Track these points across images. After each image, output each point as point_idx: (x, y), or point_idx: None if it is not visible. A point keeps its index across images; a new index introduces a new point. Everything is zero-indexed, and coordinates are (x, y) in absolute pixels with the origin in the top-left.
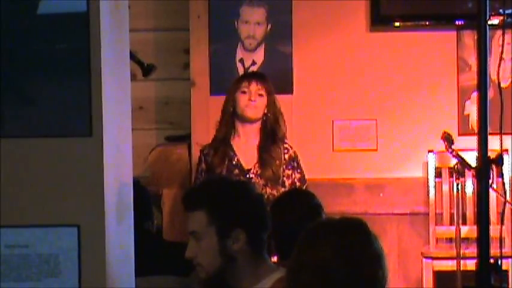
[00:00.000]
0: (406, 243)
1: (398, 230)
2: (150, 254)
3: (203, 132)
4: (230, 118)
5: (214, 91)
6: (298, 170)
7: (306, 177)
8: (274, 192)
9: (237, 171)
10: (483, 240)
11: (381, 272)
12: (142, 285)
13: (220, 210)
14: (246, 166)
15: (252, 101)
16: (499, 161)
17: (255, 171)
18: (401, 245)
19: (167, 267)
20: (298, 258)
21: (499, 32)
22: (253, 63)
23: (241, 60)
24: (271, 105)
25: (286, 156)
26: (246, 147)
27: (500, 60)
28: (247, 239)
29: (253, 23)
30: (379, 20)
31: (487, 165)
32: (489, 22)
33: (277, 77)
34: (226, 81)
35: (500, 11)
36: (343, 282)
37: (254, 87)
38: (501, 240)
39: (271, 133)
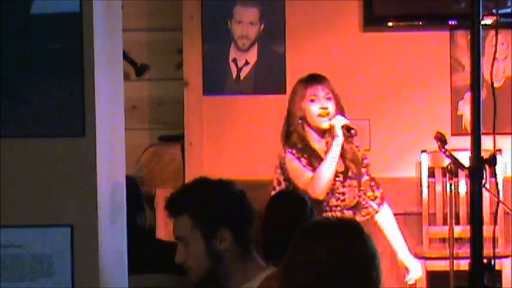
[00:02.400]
0: None
1: None
2: (143, 250)
3: (196, 132)
4: (300, 128)
5: (207, 91)
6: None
7: None
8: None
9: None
10: (476, 240)
11: (375, 273)
12: (137, 284)
13: (203, 212)
14: (339, 169)
15: (324, 109)
16: (492, 161)
17: (346, 175)
18: None
19: (161, 265)
20: (293, 258)
21: (492, 32)
22: (247, 63)
23: (235, 60)
24: (339, 105)
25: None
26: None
27: (493, 60)
28: (234, 237)
29: (246, 23)
30: (372, 20)
31: (480, 165)
32: (482, 22)
33: (270, 77)
34: (219, 81)
35: (494, 11)
36: (337, 282)
37: (321, 92)
38: (494, 240)
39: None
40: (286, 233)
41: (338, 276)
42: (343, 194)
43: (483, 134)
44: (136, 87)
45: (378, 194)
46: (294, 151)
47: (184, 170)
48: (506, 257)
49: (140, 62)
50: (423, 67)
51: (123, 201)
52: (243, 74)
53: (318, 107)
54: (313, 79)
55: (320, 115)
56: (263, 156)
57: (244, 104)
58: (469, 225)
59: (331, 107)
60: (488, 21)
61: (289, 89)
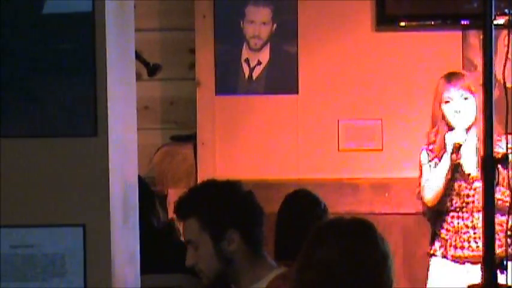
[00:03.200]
0: (411, 243)
1: (404, 230)
2: (158, 250)
3: (208, 132)
4: (443, 127)
5: (219, 91)
6: None
7: (311, 177)
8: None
9: (458, 176)
10: (489, 239)
11: (387, 274)
12: (152, 283)
13: (210, 215)
14: (467, 171)
15: (458, 113)
16: (504, 160)
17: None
18: (407, 245)
19: (176, 265)
20: (305, 257)
21: (504, 32)
22: (259, 63)
23: (247, 60)
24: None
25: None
26: (469, 149)
27: (505, 60)
28: (242, 238)
29: (258, 22)
30: (385, 19)
31: (492, 165)
32: (495, 22)
33: (282, 77)
34: (231, 81)
35: (506, 10)
36: (349, 282)
37: (455, 93)
38: (507, 239)
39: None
40: (299, 233)
41: (349, 276)
42: (469, 196)
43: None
44: (149, 87)
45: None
46: (430, 148)
47: (197, 170)
48: None
49: (152, 61)
50: (435, 67)
51: (136, 201)
52: (255, 74)
53: (452, 109)
54: (448, 79)
55: (454, 116)
56: (275, 156)
57: (256, 103)
58: (482, 225)
59: (467, 107)
60: (500, 20)
61: (301, 89)
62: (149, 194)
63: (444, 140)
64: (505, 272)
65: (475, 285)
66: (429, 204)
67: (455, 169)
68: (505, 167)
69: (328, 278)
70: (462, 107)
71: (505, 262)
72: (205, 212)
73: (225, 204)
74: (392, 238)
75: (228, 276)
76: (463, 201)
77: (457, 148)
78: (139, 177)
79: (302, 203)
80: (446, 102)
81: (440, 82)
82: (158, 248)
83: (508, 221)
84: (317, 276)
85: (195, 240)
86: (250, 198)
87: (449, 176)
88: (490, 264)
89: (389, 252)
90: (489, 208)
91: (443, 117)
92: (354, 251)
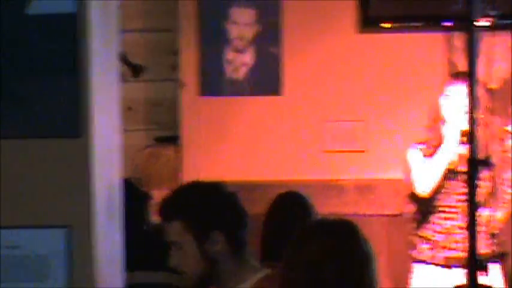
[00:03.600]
0: (395, 244)
1: (388, 231)
2: (146, 251)
3: (192, 133)
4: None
5: (203, 92)
6: None
7: (295, 178)
8: None
9: (451, 175)
10: (472, 240)
11: (370, 275)
12: (140, 280)
13: (194, 217)
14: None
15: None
16: (487, 162)
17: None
18: (391, 246)
19: (165, 264)
20: (290, 257)
21: (488, 34)
22: (243, 64)
23: (231, 61)
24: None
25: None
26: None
27: (489, 62)
28: (226, 240)
29: (242, 24)
30: (368, 21)
31: (475, 167)
32: (479, 24)
33: (266, 79)
34: (215, 82)
35: (489, 12)
36: (332, 282)
37: (460, 90)
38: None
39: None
40: (285, 234)
41: (333, 276)
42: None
43: None
44: (133, 88)
45: None
46: (422, 146)
47: (180, 171)
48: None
49: (136, 63)
50: (419, 68)
51: (120, 202)
52: (239, 75)
53: (455, 105)
54: (455, 77)
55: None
56: (259, 157)
57: (240, 105)
58: (466, 227)
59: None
60: (484, 23)
61: (285, 90)
62: (139, 196)
63: (441, 137)
64: (487, 273)
65: (460, 286)
66: (425, 195)
67: (450, 169)
68: (488, 169)
69: (312, 278)
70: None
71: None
72: (189, 214)
73: (209, 206)
74: (376, 239)
75: (211, 278)
76: (456, 200)
77: (464, 135)
78: (129, 179)
79: (290, 204)
80: (449, 97)
81: (447, 80)
82: (147, 249)
83: (489, 221)
84: (301, 276)
85: (179, 241)
86: (234, 200)
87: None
88: (473, 265)
89: (372, 253)
90: (472, 210)
91: (446, 113)
92: (338, 251)
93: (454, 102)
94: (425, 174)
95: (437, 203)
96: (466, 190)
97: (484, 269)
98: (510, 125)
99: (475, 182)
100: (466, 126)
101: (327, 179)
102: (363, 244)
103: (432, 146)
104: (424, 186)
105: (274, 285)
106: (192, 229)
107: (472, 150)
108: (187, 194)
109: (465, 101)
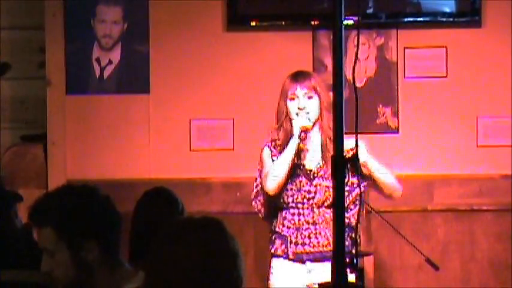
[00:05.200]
0: (263, 242)
1: (256, 229)
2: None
3: (59, 131)
4: (287, 123)
5: (70, 90)
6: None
7: (163, 177)
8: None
9: (299, 172)
10: (339, 238)
11: (236, 272)
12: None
13: (68, 225)
14: (309, 168)
15: (300, 109)
16: (354, 160)
17: (318, 173)
18: (258, 244)
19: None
20: (156, 255)
21: (354, 32)
22: (110, 62)
23: (98, 59)
24: (325, 102)
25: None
26: (311, 147)
27: (355, 60)
28: (101, 247)
29: (109, 22)
30: (236, 19)
31: (342, 164)
32: (344, 22)
33: (134, 77)
34: (82, 80)
35: (356, 11)
36: (198, 281)
37: (300, 91)
38: (356, 238)
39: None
40: (153, 233)
41: (198, 274)
42: (309, 192)
43: (346, 133)
44: None
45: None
46: (272, 144)
47: (47, 170)
48: (368, 254)
49: (1, 61)
50: (286, 67)
51: None
52: (106, 74)
53: (296, 106)
54: (295, 78)
55: (297, 114)
56: (127, 156)
57: (107, 103)
58: (332, 223)
59: (311, 105)
60: (350, 21)
61: (152, 89)
62: (4, 196)
63: (287, 136)
64: (355, 270)
65: (325, 283)
66: (271, 193)
67: (298, 165)
68: (354, 166)
69: (179, 275)
70: (306, 105)
71: (355, 261)
72: (62, 222)
73: (83, 213)
74: (244, 237)
75: (85, 284)
76: (304, 197)
77: (303, 131)
78: None
79: (158, 202)
80: (291, 99)
81: (287, 80)
82: (15, 248)
83: (357, 220)
84: (169, 273)
85: (51, 248)
86: (108, 205)
87: (292, 164)
88: (340, 263)
89: (238, 250)
90: (339, 207)
91: (288, 114)
92: (203, 248)
93: (297, 104)
94: (269, 173)
95: (287, 199)
96: (311, 188)
97: (350, 266)
98: None
99: (342, 179)
100: (306, 124)
101: (195, 177)
102: (229, 242)
103: (278, 146)
104: (268, 184)
105: None
106: (66, 238)
107: (338, 148)
108: (60, 200)
109: (307, 103)
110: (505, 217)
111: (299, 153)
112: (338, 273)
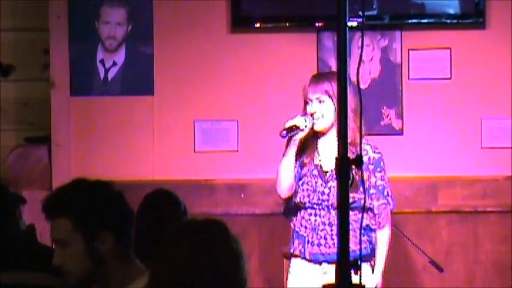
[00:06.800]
0: (266, 244)
1: (259, 230)
2: (15, 255)
3: (63, 133)
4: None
5: (74, 92)
6: (376, 174)
7: (167, 178)
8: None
9: (316, 172)
10: (343, 239)
11: (239, 274)
12: (10, 280)
13: (84, 215)
14: (325, 169)
15: (311, 114)
16: (358, 161)
17: (332, 176)
18: (262, 245)
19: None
20: (160, 256)
21: (358, 34)
22: (114, 64)
23: (102, 61)
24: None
25: (365, 158)
26: (329, 149)
27: (359, 61)
28: (115, 238)
29: (113, 23)
30: (240, 21)
31: (347, 166)
32: (348, 24)
33: (138, 78)
34: (86, 82)
35: (360, 13)
36: (202, 282)
37: (312, 95)
38: (361, 239)
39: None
40: (157, 233)
41: (202, 276)
42: (324, 193)
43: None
44: (2, 88)
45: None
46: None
47: (51, 172)
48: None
49: (6, 62)
50: (291, 68)
51: None
52: (110, 75)
53: (309, 110)
54: (310, 81)
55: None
56: (131, 157)
57: (111, 105)
58: (336, 224)
59: (321, 110)
60: (354, 23)
61: (157, 90)
62: (6, 200)
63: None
64: (358, 271)
65: (330, 284)
66: (282, 196)
67: (315, 166)
68: (359, 168)
69: (183, 276)
70: (317, 109)
71: (359, 262)
72: (78, 211)
73: (99, 203)
74: (248, 239)
75: (97, 277)
76: (319, 198)
77: (292, 129)
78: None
79: (161, 203)
80: (306, 103)
81: (306, 83)
82: (17, 250)
83: (361, 222)
84: (172, 274)
85: (65, 239)
86: (122, 199)
87: (292, 166)
88: (344, 263)
89: (242, 251)
90: (343, 208)
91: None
92: (206, 250)
93: (309, 109)
94: (279, 175)
95: (304, 200)
96: (325, 190)
97: (355, 267)
98: None
99: (347, 180)
100: (299, 123)
101: (199, 178)
102: (231, 243)
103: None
104: (276, 188)
105: None
106: (82, 227)
107: (343, 149)
108: (75, 191)
109: (318, 108)
110: (509, 219)
111: (305, 149)
112: (342, 274)
